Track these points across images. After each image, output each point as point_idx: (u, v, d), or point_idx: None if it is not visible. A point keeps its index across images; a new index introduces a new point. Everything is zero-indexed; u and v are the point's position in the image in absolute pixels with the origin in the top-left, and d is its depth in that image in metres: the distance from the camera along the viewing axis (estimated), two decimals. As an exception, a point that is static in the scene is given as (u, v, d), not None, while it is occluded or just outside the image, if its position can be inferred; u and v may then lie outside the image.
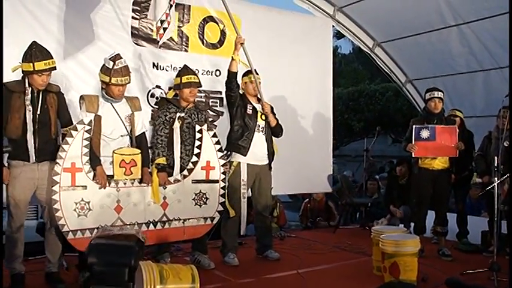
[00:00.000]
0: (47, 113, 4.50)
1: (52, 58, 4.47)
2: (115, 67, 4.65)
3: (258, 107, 5.73)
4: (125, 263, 3.83)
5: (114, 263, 3.82)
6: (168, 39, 6.44)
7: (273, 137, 5.85)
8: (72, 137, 4.48)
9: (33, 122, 4.40)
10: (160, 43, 5.87)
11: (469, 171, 7.03)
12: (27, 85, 4.39)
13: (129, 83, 4.81)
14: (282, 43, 7.60)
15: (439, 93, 6.12)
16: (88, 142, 4.55)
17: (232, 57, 5.50)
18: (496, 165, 5.11)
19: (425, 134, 6.04)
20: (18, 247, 4.52)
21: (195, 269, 4.11)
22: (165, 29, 5.43)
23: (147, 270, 3.83)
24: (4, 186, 4.39)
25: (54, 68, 4.50)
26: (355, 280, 5.18)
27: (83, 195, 4.55)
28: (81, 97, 4.77)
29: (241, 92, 5.69)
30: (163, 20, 5.37)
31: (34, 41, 4.51)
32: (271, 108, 5.88)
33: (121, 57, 4.77)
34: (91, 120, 4.59)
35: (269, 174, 5.85)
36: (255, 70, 5.71)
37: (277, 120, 5.83)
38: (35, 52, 4.38)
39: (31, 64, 4.32)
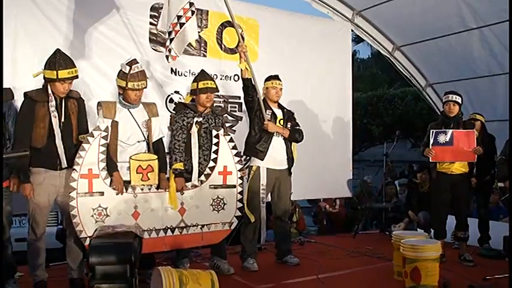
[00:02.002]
0: (69, 119, 4.52)
1: (75, 67, 4.50)
2: (131, 72, 4.66)
3: (278, 112, 5.72)
4: (125, 259, 3.99)
5: (115, 261, 3.97)
6: (186, 45, 6.46)
7: (294, 143, 5.83)
8: (89, 143, 4.48)
9: (60, 130, 4.43)
10: (175, 58, 5.40)
11: (491, 176, 6.93)
12: (50, 92, 4.41)
13: (145, 87, 4.81)
14: (301, 47, 7.60)
15: (454, 96, 6.06)
16: (105, 148, 4.55)
17: (238, 66, 5.52)
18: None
19: (442, 138, 5.98)
20: (41, 255, 4.54)
21: (214, 274, 4.10)
22: (171, 40, 5.21)
23: (166, 275, 3.83)
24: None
25: (77, 77, 4.53)
26: (375, 285, 5.13)
27: (100, 202, 4.55)
28: (99, 103, 4.78)
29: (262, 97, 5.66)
30: (171, 31, 5.23)
31: (58, 49, 4.54)
32: (292, 113, 5.87)
33: (137, 62, 4.78)
34: (107, 126, 4.59)
35: (289, 179, 5.82)
36: (277, 76, 5.72)
37: (295, 125, 5.80)
38: (59, 60, 4.40)
39: (54, 72, 4.34)
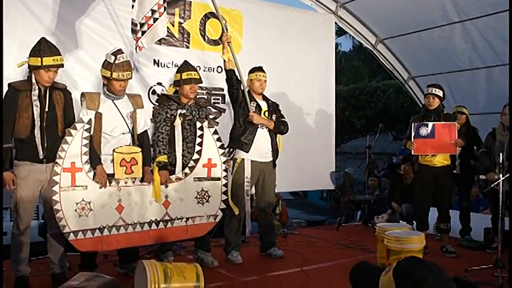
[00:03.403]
0: (54, 110, 4.44)
1: (60, 55, 4.43)
2: (116, 62, 4.59)
3: (263, 104, 5.70)
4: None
5: None
6: (169, 36, 6.45)
7: (279, 134, 5.82)
8: (72, 136, 4.41)
9: (41, 120, 4.34)
10: (142, 49, 5.40)
11: (472, 168, 6.97)
12: (34, 81, 4.33)
13: (130, 78, 4.75)
14: (285, 39, 7.60)
15: (434, 89, 6.11)
16: (88, 141, 4.48)
17: (221, 57, 5.50)
18: (501, 161, 5.08)
19: (424, 131, 6.04)
20: (24, 250, 4.46)
21: (199, 267, 4.09)
22: (143, 33, 5.24)
23: (151, 269, 3.81)
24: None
25: (62, 66, 4.46)
26: (359, 277, 5.14)
27: (83, 195, 4.48)
28: (82, 94, 4.70)
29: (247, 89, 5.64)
30: (143, 24, 5.22)
31: (43, 37, 4.48)
32: (277, 105, 5.87)
33: (122, 52, 4.71)
34: (90, 119, 4.53)
35: (273, 171, 5.82)
36: (261, 68, 5.70)
37: (280, 117, 5.79)
38: (44, 47, 4.33)
39: (39, 59, 4.27)
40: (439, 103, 6.14)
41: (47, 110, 4.38)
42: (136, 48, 5.34)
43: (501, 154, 5.13)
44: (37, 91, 4.34)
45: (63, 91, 4.57)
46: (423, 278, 2.90)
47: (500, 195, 5.04)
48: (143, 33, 5.23)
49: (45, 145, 4.37)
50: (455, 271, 4.97)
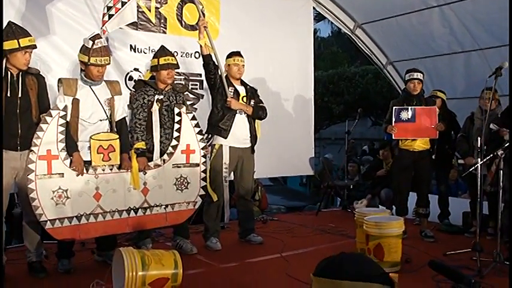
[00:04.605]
0: (27, 96, 4.34)
1: (32, 36, 4.35)
2: (94, 46, 4.50)
3: (241, 89, 5.65)
4: None
5: None
6: (145, 21, 6.38)
7: (258, 120, 5.78)
8: (47, 123, 4.32)
9: (14, 106, 4.24)
10: (105, 32, 5.30)
11: (449, 153, 7.00)
12: (8, 66, 4.23)
13: (108, 63, 4.67)
14: (263, 24, 7.54)
15: (418, 74, 6.11)
16: (63, 128, 4.40)
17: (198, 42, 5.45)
18: (479, 146, 5.10)
19: (405, 115, 6.05)
20: None
21: (177, 254, 4.05)
22: (110, 16, 5.19)
23: (128, 256, 3.76)
24: None
25: (35, 46, 4.39)
26: (339, 263, 5.14)
27: (60, 183, 4.41)
28: (59, 80, 4.61)
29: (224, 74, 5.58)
30: (111, 7, 5.16)
31: (10, 21, 4.38)
32: (255, 90, 5.82)
33: (100, 37, 4.64)
34: (66, 105, 4.44)
35: (252, 157, 5.79)
36: (239, 52, 5.64)
37: (258, 102, 5.75)
38: (16, 29, 4.25)
39: (15, 41, 4.18)
40: (421, 88, 6.16)
41: (20, 95, 4.28)
42: (100, 32, 5.22)
43: (479, 138, 5.16)
44: (9, 78, 4.24)
45: (36, 76, 4.47)
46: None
47: (478, 180, 5.06)
48: (110, 16, 5.16)
49: (20, 132, 4.28)
50: (434, 255, 5.02)
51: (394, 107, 6.11)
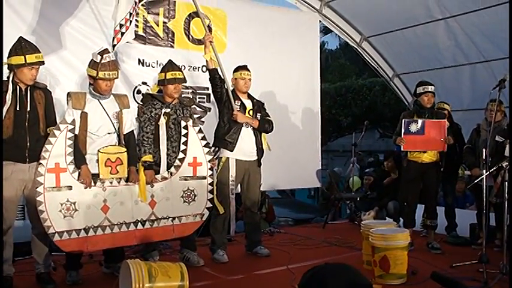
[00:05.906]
0: (35, 110, 4.42)
1: (40, 52, 4.42)
2: (102, 61, 4.57)
3: (247, 103, 5.70)
4: None
5: None
6: (153, 35, 6.48)
7: (264, 133, 5.82)
8: (56, 136, 4.39)
9: (23, 119, 4.32)
10: (115, 47, 5.50)
11: (455, 165, 7.01)
12: (16, 80, 4.32)
13: (116, 78, 4.73)
14: (269, 38, 7.60)
15: (432, 87, 6.13)
16: (72, 142, 4.47)
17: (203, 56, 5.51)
18: (484, 157, 5.11)
19: (414, 127, 6.05)
20: (7, 250, 4.43)
21: (184, 266, 4.08)
22: (122, 34, 5.34)
23: (135, 268, 3.80)
24: None
25: (43, 63, 4.46)
26: (345, 275, 5.14)
27: (68, 196, 4.46)
28: (69, 94, 4.68)
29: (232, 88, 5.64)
30: (122, 25, 5.29)
31: (21, 36, 4.47)
32: (262, 104, 5.87)
33: (109, 52, 4.71)
34: (74, 119, 4.51)
35: (258, 170, 5.81)
36: (246, 66, 5.69)
37: (265, 115, 5.80)
38: (25, 45, 4.33)
39: (22, 57, 4.26)
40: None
41: (28, 109, 4.37)
42: (114, 47, 5.40)
43: (484, 150, 5.17)
44: (18, 92, 4.32)
45: (43, 90, 4.55)
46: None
47: (484, 191, 5.07)
48: (123, 34, 5.32)
49: (28, 145, 4.35)
50: (440, 267, 5.02)
51: (403, 119, 6.12)
